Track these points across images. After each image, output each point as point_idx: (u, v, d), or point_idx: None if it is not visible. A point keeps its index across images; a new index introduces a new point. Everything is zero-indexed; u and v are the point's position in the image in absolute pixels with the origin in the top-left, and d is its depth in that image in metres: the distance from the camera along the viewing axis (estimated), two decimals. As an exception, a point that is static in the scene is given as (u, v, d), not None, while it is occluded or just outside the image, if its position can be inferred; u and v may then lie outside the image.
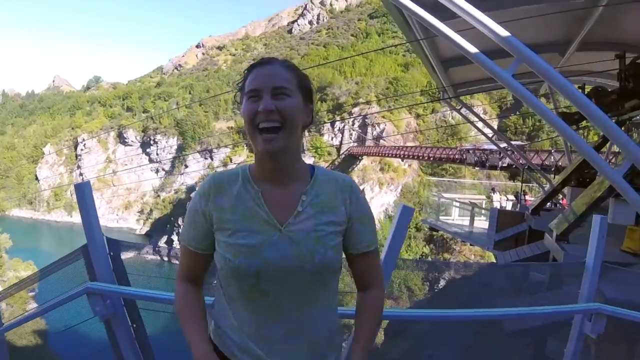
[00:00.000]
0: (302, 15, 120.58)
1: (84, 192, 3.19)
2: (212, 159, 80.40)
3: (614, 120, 12.03)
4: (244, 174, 1.77)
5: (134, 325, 3.40)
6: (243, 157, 77.68)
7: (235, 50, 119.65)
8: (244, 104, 1.68)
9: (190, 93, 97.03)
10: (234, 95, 1.79)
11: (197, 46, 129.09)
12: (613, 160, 16.64)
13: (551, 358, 4.63)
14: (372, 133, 70.62)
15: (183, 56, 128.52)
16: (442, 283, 4.50)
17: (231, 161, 77.01)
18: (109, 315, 3.18)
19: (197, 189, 1.86)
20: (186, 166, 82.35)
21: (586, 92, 12.18)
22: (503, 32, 5.31)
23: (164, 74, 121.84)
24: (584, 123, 12.72)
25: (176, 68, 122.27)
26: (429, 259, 54.68)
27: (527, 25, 8.17)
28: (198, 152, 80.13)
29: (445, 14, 5.72)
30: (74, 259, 3.44)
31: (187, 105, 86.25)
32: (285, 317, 1.68)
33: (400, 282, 4.02)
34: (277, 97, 1.63)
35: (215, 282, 1.88)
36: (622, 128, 13.17)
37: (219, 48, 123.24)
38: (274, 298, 1.66)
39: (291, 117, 1.65)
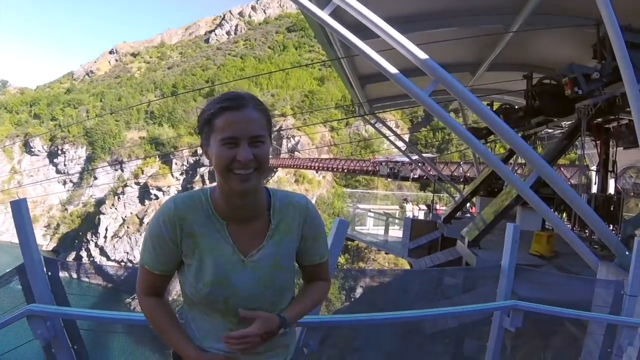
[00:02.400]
0: (219, 25, 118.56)
1: (20, 209, 3.12)
2: (122, 171, 77.02)
3: (521, 135, 12.97)
4: (207, 203, 1.83)
5: (75, 347, 3.33)
6: (155, 168, 75.40)
7: (150, 57, 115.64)
8: (218, 148, 1.69)
9: (101, 101, 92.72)
10: (196, 127, 1.82)
11: (111, 52, 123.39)
12: (519, 171, 17.68)
13: (469, 356, 5.00)
14: (287, 145, 70.76)
15: (95, 62, 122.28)
16: (359, 291, 4.68)
17: (143, 173, 74.22)
18: (50, 337, 3.05)
19: (157, 212, 1.82)
20: (95, 178, 78.01)
21: (495, 109, 13.03)
22: (422, 55, 5.68)
23: (75, 80, 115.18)
24: (491, 137, 13.49)
25: (87, 74, 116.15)
26: (345, 268, 55.27)
27: (442, 46, 8.65)
28: (108, 163, 76.63)
29: (367, 34, 6.01)
30: (7, 280, 3.30)
31: (98, 115, 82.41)
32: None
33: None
34: (253, 144, 1.69)
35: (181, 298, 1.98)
36: (528, 142, 14.18)
37: (133, 55, 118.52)
38: (239, 318, 1.79)
39: (266, 162, 1.74)
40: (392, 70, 5.89)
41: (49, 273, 3.27)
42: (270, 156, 1.81)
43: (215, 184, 1.84)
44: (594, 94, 7.98)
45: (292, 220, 1.91)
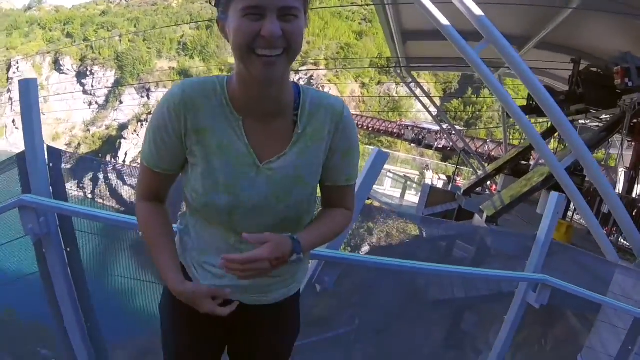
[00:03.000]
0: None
1: (29, 90, 2.77)
2: (148, 98, 77.24)
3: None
4: (222, 92, 1.51)
5: (68, 249, 3.02)
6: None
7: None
8: (238, 20, 1.34)
9: (135, 27, 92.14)
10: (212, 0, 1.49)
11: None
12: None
13: (466, 330, 4.84)
14: (316, 95, 70.54)
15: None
16: (366, 249, 4.56)
17: (168, 102, 74.80)
18: (41, 234, 2.75)
19: (162, 99, 1.51)
20: (121, 102, 78.20)
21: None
22: (477, 11, 5.35)
23: (111, 2, 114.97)
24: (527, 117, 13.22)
25: None
26: (354, 226, 55.53)
27: (493, 14, 8.31)
28: (135, 90, 76.74)
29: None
30: (6, 168, 2.99)
31: (130, 39, 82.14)
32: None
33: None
34: (283, 18, 1.33)
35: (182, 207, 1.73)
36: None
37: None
38: (244, 230, 1.48)
39: (297, 43, 1.39)
40: (444, 21, 5.58)
41: (51, 164, 2.97)
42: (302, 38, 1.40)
43: (233, 74, 1.50)
44: (642, 89, 7.67)
45: (322, 126, 1.57)
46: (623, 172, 12.65)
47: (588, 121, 13.72)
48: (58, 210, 2.85)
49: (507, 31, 11.59)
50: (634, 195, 10.99)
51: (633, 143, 10.74)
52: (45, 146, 2.93)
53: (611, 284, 4.60)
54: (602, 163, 24.61)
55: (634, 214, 9.02)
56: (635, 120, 9.26)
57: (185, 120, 1.48)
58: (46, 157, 2.94)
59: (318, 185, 1.69)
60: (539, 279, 3.50)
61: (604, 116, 11.37)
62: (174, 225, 1.75)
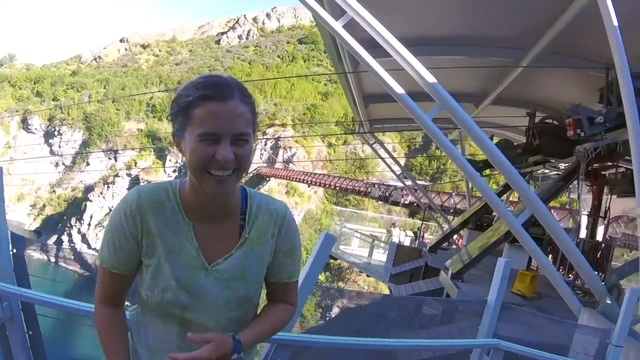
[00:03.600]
0: (232, 28, 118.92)
1: None
2: (116, 160, 76.69)
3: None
4: (174, 198, 1.64)
5: (30, 332, 3.09)
6: (149, 162, 74.99)
7: (160, 51, 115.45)
8: (194, 143, 1.47)
9: (105, 88, 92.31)
10: (169, 116, 1.58)
11: (121, 40, 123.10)
12: (510, 209, 17.65)
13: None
14: (283, 156, 70.82)
15: (105, 48, 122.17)
16: (335, 311, 4.54)
17: (136, 165, 73.83)
18: (4, 318, 2.86)
19: (119, 203, 1.64)
20: (88, 164, 77.35)
21: (494, 143, 13.04)
22: (430, 78, 5.64)
23: (82, 63, 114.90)
24: (486, 172, 13.47)
25: (95, 59, 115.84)
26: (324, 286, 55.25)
27: (449, 73, 8.65)
28: (103, 150, 76.11)
29: (377, 52, 5.94)
30: None
31: (99, 100, 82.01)
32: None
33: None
34: (236, 143, 1.48)
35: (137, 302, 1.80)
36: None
37: (143, 46, 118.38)
38: (196, 329, 1.61)
39: (246, 164, 1.53)
40: (399, 90, 5.85)
41: (14, 250, 3.03)
42: (264, 164, 1.64)
43: (186, 180, 1.64)
44: (595, 137, 7.97)
45: (266, 229, 1.72)
46: (585, 217, 12.95)
47: (547, 170, 14.09)
48: (21, 298, 2.92)
49: (464, 89, 12.11)
50: (598, 238, 11.18)
51: (592, 187, 11.05)
52: (9, 233, 3.00)
53: (573, 344, 4.68)
54: (567, 207, 25.16)
55: (598, 256, 9.24)
56: (592, 167, 9.61)
57: (141, 224, 1.60)
58: (10, 244, 3.01)
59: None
60: (491, 343, 3.62)
61: (562, 165, 11.70)
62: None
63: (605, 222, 11.25)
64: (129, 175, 73.22)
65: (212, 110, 1.44)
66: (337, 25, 5.82)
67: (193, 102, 1.46)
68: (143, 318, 1.73)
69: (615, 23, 5.46)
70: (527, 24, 8.25)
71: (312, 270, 2.97)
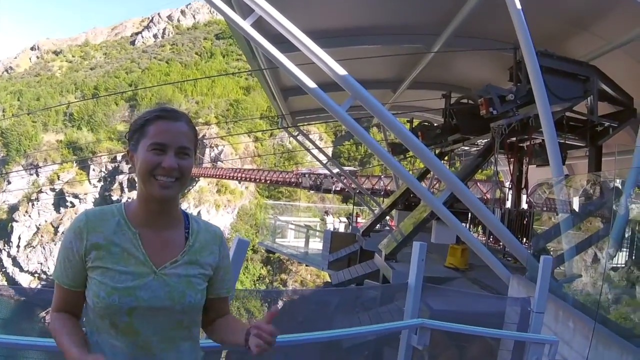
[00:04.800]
0: (147, 27, 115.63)
1: None
2: (37, 176, 72.98)
3: (438, 151, 13.39)
4: (120, 214, 1.81)
5: None
6: (72, 174, 71.95)
7: (73, 57, 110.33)
8: (145, 152, 1.72)
9: (19, 100, 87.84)
10: (126, 134, 1.85)
11: (32, 48, 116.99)
12: (437, 186, 18.17)
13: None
14: (210, 154, 69.87)
15: (15, 58, 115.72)
16: (280, 304, 4.63)
17: (59, 178, 70.72)
18: None
19: (70, 225, 1.80)
20: (9, 182, 73.26)
21: (414, 126, 13.42)
22: (340, 71, 5.75)
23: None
24: (411, 152, 13.80)
25: (6, 71, 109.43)
26: (267, 280, 55.16)
27: (364, 63, 8.80)
28: (23, 167, 72.20)
29: (288, 47, 6.01)
30: None
31: (14, 114, 77.54)
32: (155, 354, 1.73)
33: (239, 305, 4.03)
34: (180, 155, 1.74)
35: (85, 319, 1.84)
36: (446, 158, 14.66)
37: (55, 53, 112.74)
38: (145, 336, 1.71)
39: (188, 174, 1.78)
40: (310, 84, 5.96)
41: None
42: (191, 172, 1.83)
43: (130, 199, 1.78)
44: (508, 114, 8.35)
45: (209, 245, 1.92)
46: (508, 188, 13.52)
47: (467, 147, 14.58)
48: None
49: (381, 77, 12.36)
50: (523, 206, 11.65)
51: (510, 159, 11.50)
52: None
53: (506, 314, 4.92)
54: (493, 178, 26.14)
55: (524, 223, 9.70)
56: (509, 141, 10.06)
57: (87, 240, 1.73)
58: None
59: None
60: (416, 323, 3.81)
61: (480, 142, 12.20)
62: None
63: (526, 191, 11.79)
64: (52, 190, 70.16)
65: (163, 126, 1.74)
66: (246, 25, 5.84)
67: (148, 120, 1.76)
68: (92, 331, 1.77)
69: (519, 6, 5.78)
70: (434, 10, 8.53)
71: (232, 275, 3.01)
